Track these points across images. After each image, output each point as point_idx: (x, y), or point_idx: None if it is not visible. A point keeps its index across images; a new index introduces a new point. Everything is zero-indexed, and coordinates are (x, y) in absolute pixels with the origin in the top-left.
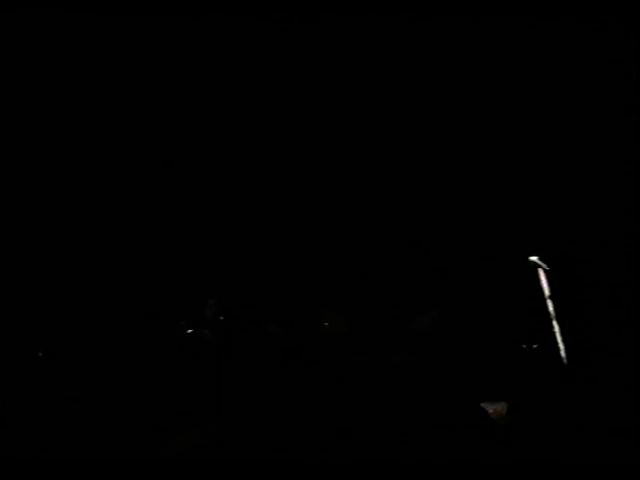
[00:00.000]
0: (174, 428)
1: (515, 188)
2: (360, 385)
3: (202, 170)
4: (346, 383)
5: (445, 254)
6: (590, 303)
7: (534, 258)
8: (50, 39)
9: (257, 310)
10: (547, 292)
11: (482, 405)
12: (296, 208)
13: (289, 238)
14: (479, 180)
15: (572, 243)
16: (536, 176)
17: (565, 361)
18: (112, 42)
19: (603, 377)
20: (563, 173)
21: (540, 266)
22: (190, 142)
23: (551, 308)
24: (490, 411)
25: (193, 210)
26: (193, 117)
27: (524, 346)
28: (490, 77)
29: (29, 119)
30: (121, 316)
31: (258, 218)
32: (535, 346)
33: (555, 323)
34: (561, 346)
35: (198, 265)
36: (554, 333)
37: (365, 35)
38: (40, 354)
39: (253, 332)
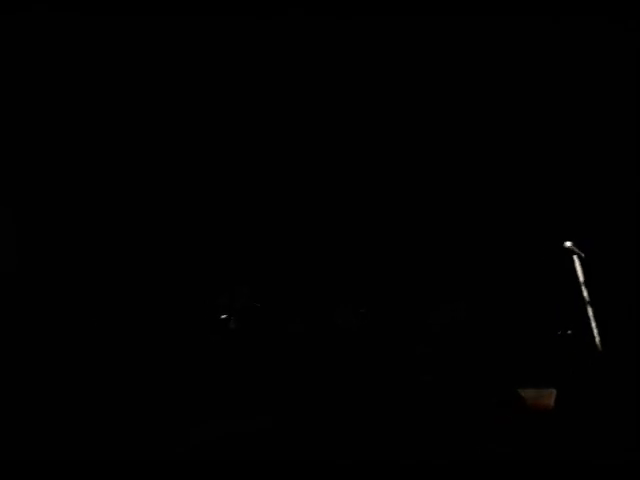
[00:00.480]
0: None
1: (546, 176)
2: (372, 379)
3: (216, 172)
4: (357, 377)
5: (477, 241)
6: (621, 290)
7: (569, 244)
8: (51, 41)
9: (277, 309)
10: (581, 278)
11: (527, 391)
12: (317, 208)
13: (308, 236)
14: (510, 168)
15: (602, 231)
16: (568, 165)
17: (599, 347)
18: (113, 43)
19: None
20: (595, 162)
21: (575, 252)
22: (216, 141)
23: (586, 294)
24: (534, 398)
25: (227, 208)
26: (212, 118)
27: (559, 332)
28: (510, 76)
29: (30, 121)
30: (148, 306)
31: (279, 218)
32: (569, 332)
33: (589, 309)
34: (595, 332)
35: (220, 257)
36: (588, 319)
37: (365, 35)
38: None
39: (275, 330)
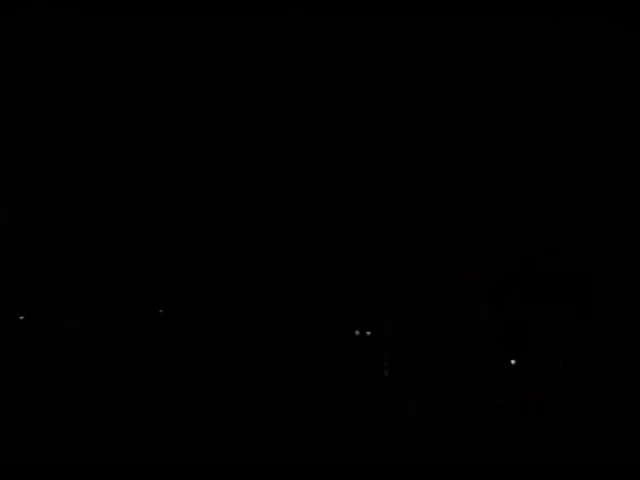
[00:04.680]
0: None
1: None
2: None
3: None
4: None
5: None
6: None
7: None
8: (53, 41)
9: (275, 308)
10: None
11: None
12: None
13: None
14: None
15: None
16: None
17: None
18: (113, 43)
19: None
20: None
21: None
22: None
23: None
24: None
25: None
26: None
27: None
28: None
29: (30, 120)
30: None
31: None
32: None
33: None
34: None
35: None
36: None
37: (363, 35)
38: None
39: (273, 331)
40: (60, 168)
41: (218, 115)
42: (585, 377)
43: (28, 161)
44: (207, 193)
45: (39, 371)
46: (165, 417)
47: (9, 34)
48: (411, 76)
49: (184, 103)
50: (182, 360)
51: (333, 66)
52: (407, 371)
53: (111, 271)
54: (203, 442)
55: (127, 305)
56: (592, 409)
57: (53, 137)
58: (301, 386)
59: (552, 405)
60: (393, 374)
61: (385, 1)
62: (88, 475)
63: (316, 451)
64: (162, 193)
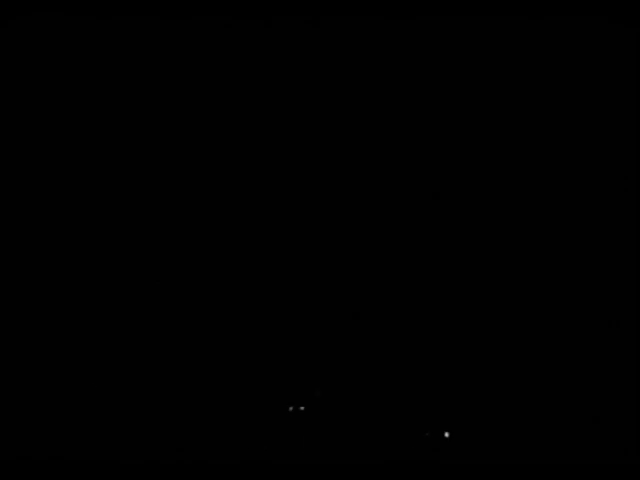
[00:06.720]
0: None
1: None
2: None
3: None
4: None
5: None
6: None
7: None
8: (52, 45)
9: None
10: None
11: None
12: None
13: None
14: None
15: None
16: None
17: None
18: (114, 46)
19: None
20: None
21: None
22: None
23: None
24: None
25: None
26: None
27: None
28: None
29: (29, 121)
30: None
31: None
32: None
33: None
34: None
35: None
36: None
37: (361, 35)
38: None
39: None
40: (59, 169)
41: (216, 113)
42: (585, 377)
43: (28, 162)
44: (205, 192)
45: (37, 370)
46: (164, 417)
47: (9, 38)
48: (411, 77)
49: (184, 104)
50: (181, 360)
51: (331, 66)
52: (405, 370)
53: (107, 267)
54: (201, 442)
55: (126, 304)
56: (592, 409)
57: (53, 139)
58: (300, 385)
59: (552, 405)
60: (391, 373)
61: (384, 2)
62: (88, 475)
63: (316, 452)
64: (160, 192)
